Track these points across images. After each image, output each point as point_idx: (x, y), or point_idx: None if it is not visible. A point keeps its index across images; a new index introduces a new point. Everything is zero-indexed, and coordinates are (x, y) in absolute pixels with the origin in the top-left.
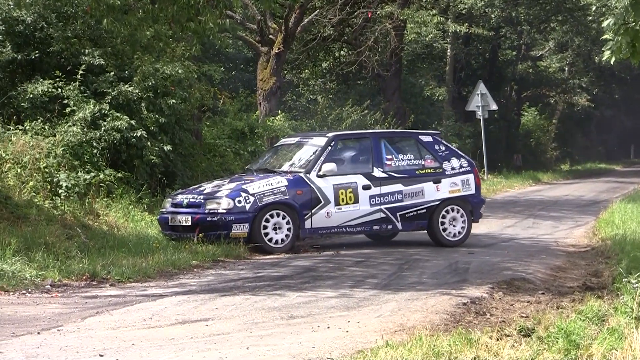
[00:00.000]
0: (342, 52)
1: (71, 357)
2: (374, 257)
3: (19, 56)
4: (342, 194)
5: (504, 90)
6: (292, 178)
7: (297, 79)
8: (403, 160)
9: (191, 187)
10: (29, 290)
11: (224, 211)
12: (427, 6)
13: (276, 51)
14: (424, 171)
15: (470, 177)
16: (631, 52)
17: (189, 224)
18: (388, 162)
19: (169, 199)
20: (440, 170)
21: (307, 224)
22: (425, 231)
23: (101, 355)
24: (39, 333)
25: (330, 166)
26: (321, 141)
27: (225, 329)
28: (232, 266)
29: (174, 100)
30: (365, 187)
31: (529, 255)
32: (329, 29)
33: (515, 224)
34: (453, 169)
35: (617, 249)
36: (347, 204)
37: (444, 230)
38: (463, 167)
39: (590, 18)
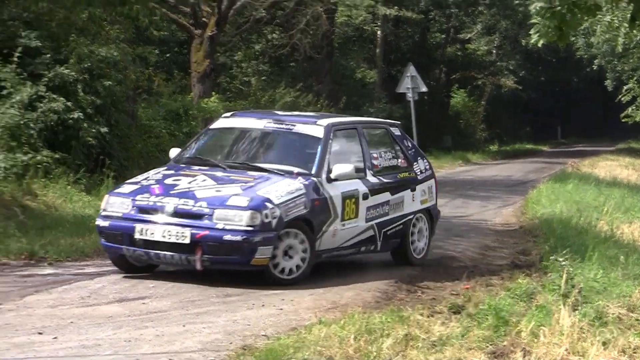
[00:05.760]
0: (274, 34)
1: (10, 335)
2: None
3: None
4: (347, 205)
5: (434, 72)
6: (307, 183)
7: (230, 61)
8: (385, 160)
9: (134, 181)
10: None
11: (251, 228)
12: None
13: (209, 34)
14: (402, 175)
15: (433, 183)
16: (558, 36)
17: (186, 241)
18: (376, 163)
19: (120, 198)
20: (413, 174)
21: (317, 245)
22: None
23: (40, 333)
24: None
25: (346, 168)
26: (317, 131)
27: (162, 307)
28: None
29: (109, 82)
30: (365, 197)
31: (458, 234)
32: (261, 11)
33: (446, 204)
34: (422, 172)
35: (545, 227)
36: (350, 218)
37: (413, 247)
38: (427, 170)
39: (517, 2)
